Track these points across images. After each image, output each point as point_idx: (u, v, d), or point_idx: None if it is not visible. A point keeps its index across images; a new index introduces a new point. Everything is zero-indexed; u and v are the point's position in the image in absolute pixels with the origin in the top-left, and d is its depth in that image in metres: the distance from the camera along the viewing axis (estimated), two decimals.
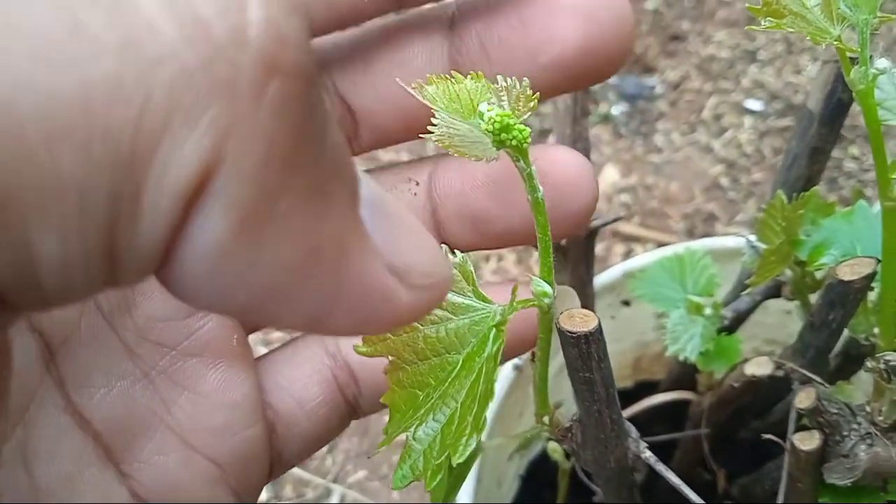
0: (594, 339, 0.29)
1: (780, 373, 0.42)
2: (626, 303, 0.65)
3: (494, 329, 0.27)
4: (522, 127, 0.25)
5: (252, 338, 0.31)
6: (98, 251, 0.14)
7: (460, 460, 0.26)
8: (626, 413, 0.47)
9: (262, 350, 0.32)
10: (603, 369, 0.30)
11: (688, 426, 0.55)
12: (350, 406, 0.31)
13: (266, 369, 0.31)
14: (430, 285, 0.18)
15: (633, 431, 0.34)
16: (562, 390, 0.62)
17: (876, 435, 0.35)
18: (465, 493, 0.51)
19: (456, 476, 0.35)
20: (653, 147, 1.18)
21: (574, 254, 0.54)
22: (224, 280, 0.15)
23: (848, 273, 0.36)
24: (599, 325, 0.29)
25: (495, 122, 0.24)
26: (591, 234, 0.53)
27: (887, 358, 0.34)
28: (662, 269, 0.54)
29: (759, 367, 0.44)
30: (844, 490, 0.37)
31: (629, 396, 0.59)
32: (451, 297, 0.28)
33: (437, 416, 0.27)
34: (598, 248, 0.98)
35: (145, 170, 0.13)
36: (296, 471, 0.87)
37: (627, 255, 1.04)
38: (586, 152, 0.52)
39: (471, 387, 0.27)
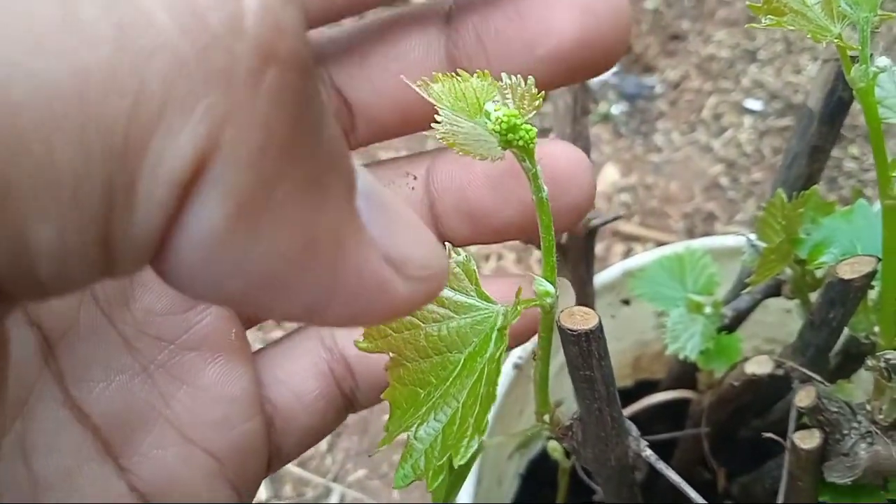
0: (595, 336, 0.29)
1: (781, 371, 0.42)
2: (626, 302, 0.65)
3: (497, 332, 0.27)
4: (529, 127, 0.24)
5: (249, 335, 0.31)
6: (94, 240, 0.14)
7: (462, 462, 0.26)
8: (627, 412, 0.47)
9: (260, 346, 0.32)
10: (603, 367, 0.30)
11: (688, 425, 0.55)
12: (347, 400, 0.31)
13: (264, 363, 0.31)
14: (427, 277, 0.18)
15: (633, 430, 0.34)
16: (562, 389, 0.62)
17: (876, 433, 0.35)
18: (466, 492, 0.51)
19: (457, 475, 0.35)
20: (652, 146, 1.19)
21: (574, 253, 0.54)
22: (220, 269, 0.15)
23: (848, 271, 0.36)
24: (600, 322, 0.29)
25: (502, 121, 0.24)
26: (591, 233, 0.53)
27: (887, 356, 0.34)
28: (662, 267, 0.54)
29: (759, 366, 0.44)
30: (845, 489, 0.37)
31: (629, 395, 0.59)
32: (454, 295, 0.28)
33: (439, 415, 0.27)
34: (598, 248, 0.98)
35: (140, 159, 0.13)
36: (296, 470, 0.87)
37: (627, 254, 1.04)
38: (586, 151, 0.52)
39: (472, 387, 0.27)
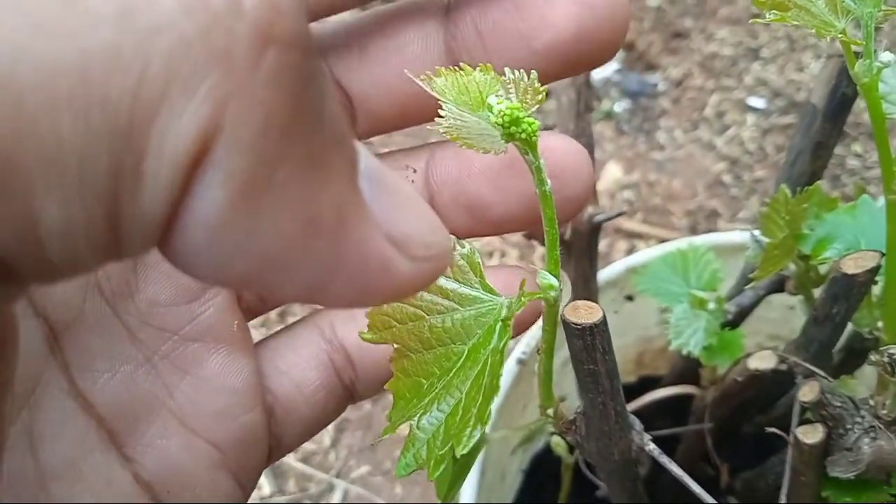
0: (599, 330, 0.29)
1: (784, 367, 0.43)
2: (630, 298, 0.65)
3: (501, 323, 0.27)
4: (532, 120, 0.25)
5: (253, 330, 0.31)
6: (101, 220, 0.14)
7: (464, 451, 0.26)
8: (630, 407, 0.48)
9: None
10: (607, 361, 0.30)
11: (691, 421, 0.55)
12: (347, 390, 0.31)
13: (265, 354, 0.31)
14: (430, 256, 0.18)
15: (636, 424, 0.34)
16: (566, 385, 0.62)
17: (879, 428, 0.35)
18: (469, 486, 0.51)
19: (459, 469, 0.35)
20: (655, 144, 1.19)
21: (577, 249, 0.54)
22: (224, 250, 0.15)
23: (852, 267, 0.36)
24: (604, 316, 0.29)
25: (505, 115, 0.24)
26: (595, 230, 0.54)
27: (891, 351, 0.34)
28: (666, 264, 0.54)
29: (762, 362, 0.44)
30: (848, 484, 0.37)
31: (632, 391, 0.59)
32: (458, 287, 0.28)
33: (442, 405, 0.27)
34: (601, 245, 0.98)
35: (144, 139, 0.14)
36: (299, 465, 0.87)
37: (630, 251, 1.04)
38: (590, 148, 0.52)
39: (476, 378, 0.27)
